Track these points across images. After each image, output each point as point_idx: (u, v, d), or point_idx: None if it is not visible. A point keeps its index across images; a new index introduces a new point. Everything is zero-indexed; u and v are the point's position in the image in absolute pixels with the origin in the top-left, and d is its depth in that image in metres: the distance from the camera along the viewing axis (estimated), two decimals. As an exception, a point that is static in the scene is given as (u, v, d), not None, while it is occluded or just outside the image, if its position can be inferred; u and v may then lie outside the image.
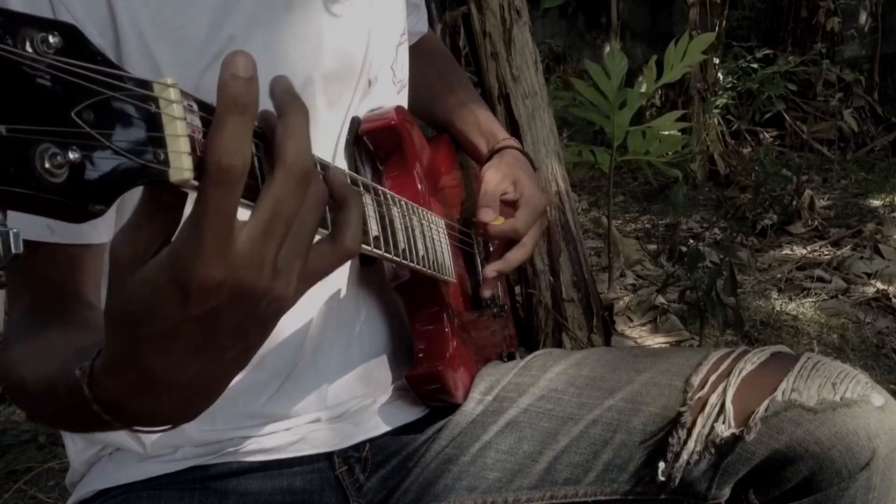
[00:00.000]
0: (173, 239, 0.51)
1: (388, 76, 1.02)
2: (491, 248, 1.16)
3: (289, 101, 0.55)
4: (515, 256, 1.09)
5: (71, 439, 0.98)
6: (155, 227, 0.52)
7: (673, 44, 2.45)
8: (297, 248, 0.55)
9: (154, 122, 0.50)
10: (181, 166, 0.50)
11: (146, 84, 0.50)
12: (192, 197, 0.51)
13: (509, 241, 1.10)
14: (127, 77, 0.49)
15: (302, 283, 0.57)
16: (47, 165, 0.43)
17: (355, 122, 0.97)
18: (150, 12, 0.80)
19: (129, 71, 0.70)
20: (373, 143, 0.99)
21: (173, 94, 0.51)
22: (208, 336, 0.54)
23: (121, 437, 0.94)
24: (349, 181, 0.63)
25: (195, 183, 0.51)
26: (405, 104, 1.07)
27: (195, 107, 0.53)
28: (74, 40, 0.46)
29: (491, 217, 1.07)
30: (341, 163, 0.96)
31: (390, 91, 1.03)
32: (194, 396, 0.58)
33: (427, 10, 1.31)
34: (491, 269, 1.08)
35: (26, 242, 0.46)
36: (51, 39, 0.44)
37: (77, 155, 0.45)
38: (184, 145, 0.50)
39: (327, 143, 0.95)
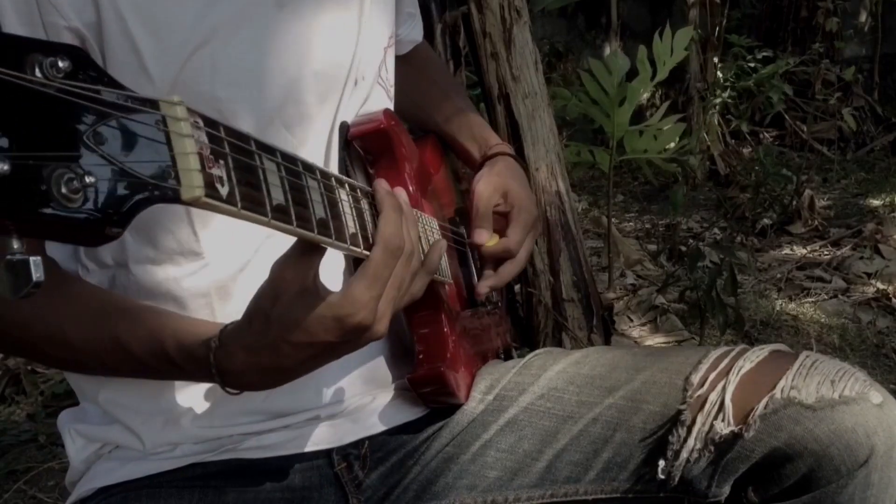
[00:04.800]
0: (349, 285, 0.75)
1: (376, 78, 1.03)
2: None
3: (384, 197, 0.79)
4: (508, 271, 1.10)
5: (70, 438, 0.98)
6: (308, 260, 0.72)
7: (658, 38, 2.45)
8: (397, 302, 0.80)
9: (163, 141, 0.50)
10: (192, 184, 0.51)
11: (153, 103, 0.50)
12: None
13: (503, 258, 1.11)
14: (135, 97, 0.49)
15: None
16: (64, 191, 0.43)
17: (343, 127, 0.97)
18: None
19: (110, 55, 0.73)
20: (362, 147, 0.98)
21: (180, 111, 0.51)
22: (331, 349, 0.77)
23: (120, 435, 0.94)
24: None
25: (207, 200, 0.52)
26: (392, 107, 1.07)
27: (201, 123, 0.53)
28: (82, 62, 0.46)
29: (485, 238, 1.08)
30: (334, 160, 0.96)
31: (379, 93, 1.04)
32: (294, 378, 0.81)
33: (427, 10, 1.32)
34: (484, 286, 1.09)
35: None
36: (60, 64, 0.44)
37: (92, 179, 0.45)
38: (193, 163, 0.51)
39: (319, 139, 0.95)
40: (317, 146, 0.95)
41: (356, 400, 1.00)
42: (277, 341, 0.75)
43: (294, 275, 0.72)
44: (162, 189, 0.49)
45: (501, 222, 1.12)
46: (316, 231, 0.67)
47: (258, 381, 0.80)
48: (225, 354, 0.78)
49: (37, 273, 0.44)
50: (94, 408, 0.96)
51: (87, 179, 0.44)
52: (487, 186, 1.12)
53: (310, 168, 0.69)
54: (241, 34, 0.86)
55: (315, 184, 0.68)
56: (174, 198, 0.50)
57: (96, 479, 0.96)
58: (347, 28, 0.97)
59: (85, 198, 0.44)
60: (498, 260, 1.11)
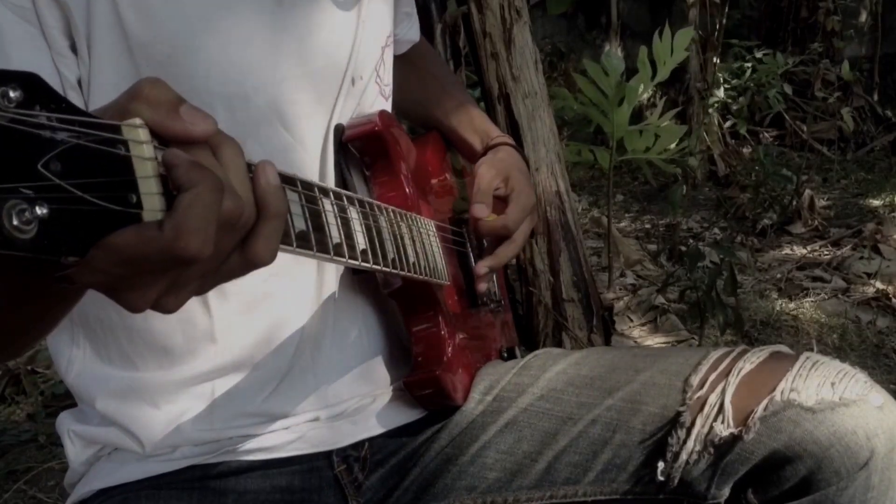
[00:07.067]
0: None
1: (373, 77, 1.02)
2: (485, 245, 1.16)
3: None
4: (506, 252, 1.11)
5: (70, 440, 0.98)
6: None
7: (657, 37, 2.46)
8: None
9: (124, 166, 0.49)
10: (154, 207, 0.50)
11: (114, 127, 0.49)
12: None
13: (500, 238, 1.11)
14: (93, 122, 0.47)
15: (212, 278, 0.58)
16: (16, 222, 0.42)
17: (339, 129, 0.96)
18: None
19: (96, 35, 0.70)
20: (358, 149, 0.98)
21: (142, 134, 0.50)
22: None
23: (119, 437, 0.94)
24: (275, 186, 0.59)
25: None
26: (389, 108, 1.07)
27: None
28: (35, 90, 0.45)
29: (484, 213, 1.08)
30: (330, 159, 0.96)
31: (375, 93, 1.03)
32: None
33: (427, 10, 1.31)
34: (482, 266, 1.09)
35: None
36: (11, 94, 0.43)
37: (45, 210, 0.43)
38: (155, 186, 0.50)
39: (316, 138, 0.95)
40: (314, 145, 0.95)
41: (355, 402, 1.00)
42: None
43: None
44: (124, 214, 0.48)
45: (501, 206, 1.13)
46: (295, 244, 0.64)
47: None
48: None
49: None
50: (92, 410, 0.96)
51: (39, 211, 0.43)
52: (490, 169, 1.13)
53: (289, 181, 0.66)
54: (239, 30, 0.86)
55: (295, 196, 0.66)
56: (136, 222, 0.49)
57: (95, 480, 0.95)
58: (346, 26, 0.97)
59: (38, 228, 0.43)
60: (496, 242, 1.12)
